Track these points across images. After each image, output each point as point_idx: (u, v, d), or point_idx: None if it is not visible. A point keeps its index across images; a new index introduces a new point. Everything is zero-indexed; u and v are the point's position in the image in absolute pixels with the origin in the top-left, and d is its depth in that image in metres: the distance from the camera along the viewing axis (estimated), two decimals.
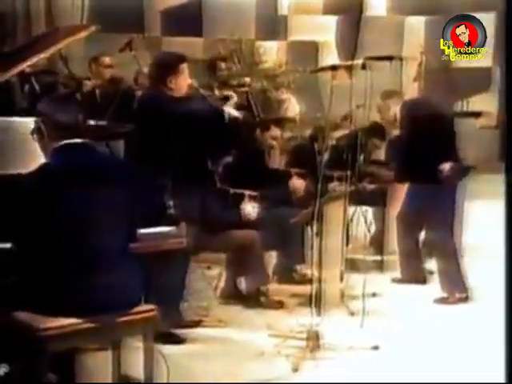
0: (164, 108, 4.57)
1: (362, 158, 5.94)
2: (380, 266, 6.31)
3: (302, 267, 5.84)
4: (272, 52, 12.48)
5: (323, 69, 5.27)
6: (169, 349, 3.95)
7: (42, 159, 3.31)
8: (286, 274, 5.82)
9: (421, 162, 5.32)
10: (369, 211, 6.95)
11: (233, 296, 5.33)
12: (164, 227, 3.60)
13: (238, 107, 5.13)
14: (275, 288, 5.51)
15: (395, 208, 6.05)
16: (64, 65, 6.52)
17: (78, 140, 3.26)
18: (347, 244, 5.93)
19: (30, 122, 3.38)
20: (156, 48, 10.62)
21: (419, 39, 11.82)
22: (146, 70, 5.65)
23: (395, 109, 5.88)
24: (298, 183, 5.75)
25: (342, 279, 5.29)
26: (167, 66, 4.71)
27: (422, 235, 5.87)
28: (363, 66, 4.66)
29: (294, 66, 11.34)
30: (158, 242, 3.55)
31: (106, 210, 3.19)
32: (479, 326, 4.78)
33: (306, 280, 5.39)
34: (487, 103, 13.40)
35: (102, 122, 5.32)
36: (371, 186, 6.30)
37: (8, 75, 4.31)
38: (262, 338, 4.53)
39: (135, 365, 3.46)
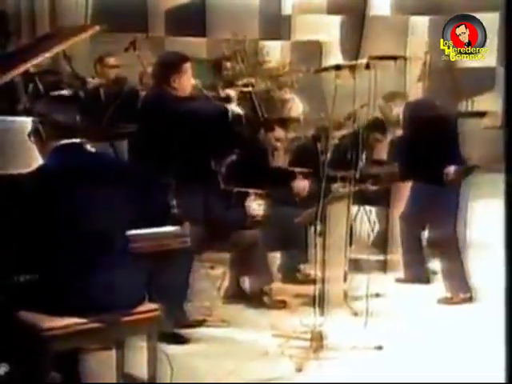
0: (168, 108, 4.57)
1: (364, 156, 5.94)
2: (383, 266, 6.30)
3: (305, 267, 5.84)
4: (276, 52, 12.46)
5: (327, 69, 5.25)
6: (172, 348, 3.95)
7: (41, 159, 3.32)
8: (290, 274, 5.82)
9: (424, 163, 5.32)
10: (372, 211, 6.94)
11: (236, 296, 5.34)
12: (168, 227, 3.60)
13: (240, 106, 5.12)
14: (279, 288, 5.51)
15: (399, 208, 6.05)
16: (68, 64, 6.52)
17: (76, 140, 3.26)
18: (350, 244, 5.93)
19: (30, 123, 3.38)
20: (159, 48, 10.61)
21: (423, 39, 11.81)
22: (149, 69, 5.65)
23: (398, 110, 5.88)
24: (301, 183, 5.76)
25: (345, 279, 5.29)
26: (171, 65, 4.71)
27: (426, 235, 5.87)
28: (367, 66, 4.64)
29: (297, 65, 11.31)
30: (162, 242, 3.55)
31: (105, 210, 3.19)
32: (483, 326, 4.77)
33: (309, 280, 5.38)
34: (491, 103, 13.37)
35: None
36: (374, 187, 6.29)
37: (12, 75, 4.32)
38: (266, 337, 4.53)
39: (139, 364, 3.47)
